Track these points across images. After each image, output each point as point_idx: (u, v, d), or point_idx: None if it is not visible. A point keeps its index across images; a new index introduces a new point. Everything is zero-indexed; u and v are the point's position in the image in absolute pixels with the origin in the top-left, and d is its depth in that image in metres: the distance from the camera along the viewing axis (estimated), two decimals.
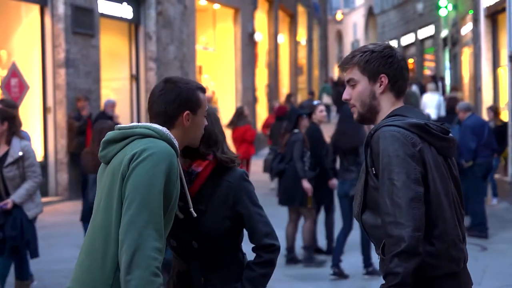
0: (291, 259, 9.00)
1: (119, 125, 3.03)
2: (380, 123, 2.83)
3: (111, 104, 14.13)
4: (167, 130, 2.97)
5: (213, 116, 3.38)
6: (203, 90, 3.14)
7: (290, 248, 9.04)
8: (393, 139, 2.70)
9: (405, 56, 2.95)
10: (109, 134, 2.97)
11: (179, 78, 3.14)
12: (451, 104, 12.80)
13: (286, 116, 14.27)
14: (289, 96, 21.73)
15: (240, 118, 15.40)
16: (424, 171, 2.73)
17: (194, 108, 3.06)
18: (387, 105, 2.90)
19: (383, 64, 2.86)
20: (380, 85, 2.89)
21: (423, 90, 21.55)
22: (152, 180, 2.81)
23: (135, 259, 2.74)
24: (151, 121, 3.04)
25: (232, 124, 15.00)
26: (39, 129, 14.10)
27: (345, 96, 2.98)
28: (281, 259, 9.16)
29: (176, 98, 3.03)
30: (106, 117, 13.70)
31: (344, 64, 2.97)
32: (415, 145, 2.71)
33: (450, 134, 2.86)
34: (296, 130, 9.00)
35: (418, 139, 2.72)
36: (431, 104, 18.88)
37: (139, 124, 2.98)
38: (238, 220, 3.32)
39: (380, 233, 2.75)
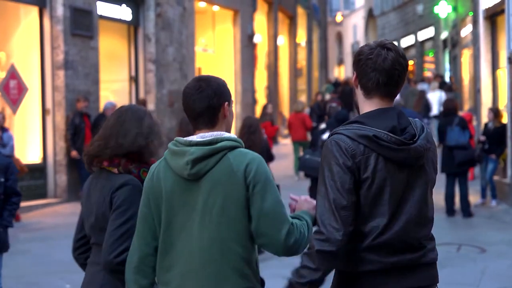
0: None
1: (195, 140, 3.11)
2: (337, 128, 3.01)
3: (112, 107, 14.11)
4: (234, 135, 3.18)
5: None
6: None
7: None
8: (336, 148, 2.88)
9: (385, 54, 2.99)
10: (197, 153, 3.07)
11: (207, 75, 3.28)
12: (448, 105, 12.77)
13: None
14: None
15: (263, 115, 16.88)
16: (362, 180, 2.89)
17: (229, 98, 3.25)
18: (360, 100, 3.07)
19: (355, 62, 3.03)
20: (355, 81, 3.06)
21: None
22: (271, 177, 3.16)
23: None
24: (194, 121, 3.17)
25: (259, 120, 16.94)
26: (38, 130, 14.10)
27: None
28: (277, 259, 9.16)
29: (217, 91, 3.18)
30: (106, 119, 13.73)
31: None
32: (354, 157, 2.88)
33: (414, 145, 2.92)
34: None
35: (363, 150, 2.88)
36: (434, 101, 20.37)
37: (218, 136, 3.11)
38: None
39: None
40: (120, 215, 3.44)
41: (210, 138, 3.08)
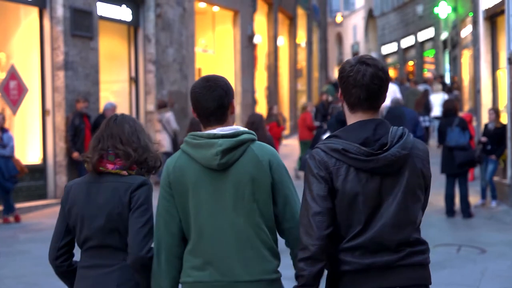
0: None
1: (220, 133, 3.32)
2: (318, 143, 3.27)
3: (113, 108, 14.10)
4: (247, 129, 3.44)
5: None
6: None
7: None
8: (312, 161, 3.16)
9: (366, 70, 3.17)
10: (225, 144, 3.30)
11: (213, 75, 3.48)
12: (448, 106, 12.77)
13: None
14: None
15: (269, 115, 17.32)
16: (335, 188, 3.13)
17: (233, 95, 3.49)
18: (346, 114, 3.28)
19: (339, 79, 3.25)
20: (340, 96, 3.29)
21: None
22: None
23: None
24: (206, 119, 3.38)
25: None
26: (38, 131, 14.10)
27: None
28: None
29: (227, 90, 3.41)
30: None
31: None
32: (327, 168, 3.13)
33: (383, 154, 3.10)
34: None
35: (334, 162, 3.12)
36: (437, 102, 20.40)
37: (238, 130, 3.36)
38: None
39: None
40: (144, 213, 3.53)
41: (232, 131, 3.34)
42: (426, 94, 22.52)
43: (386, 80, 3.20)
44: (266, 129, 9.63)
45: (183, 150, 3.37)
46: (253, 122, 9.26)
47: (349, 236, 3.12)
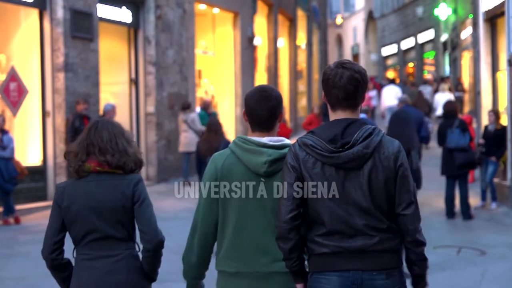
0: None
1: (269, 143, 3.65)
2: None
3: (113, 109, 14.09)
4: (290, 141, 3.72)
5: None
6: None
7: None
8: (289, 153, 3.56)
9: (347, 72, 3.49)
10: (274, 155, 3.65)
11: (267, 86, 3.83)
12: (448, 107, 12.77)
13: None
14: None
15: None
16: (304, 179, 3.49)
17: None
18: (329, 113, 3.63)
19: (322, 81, 3.60)
20: (323, 98, 3.65)
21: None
22: None
23: None
24: (257, 125, 3.71)
25: None
26: (38, 133, 14.10)
27: None
28: None
29: (280, 101, 3.76)
30: None
31: None
32: (298, 159, 3.52)
33: (344, 152, 3.43)
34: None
35: (304, 155, 3.51)
36: (442, 101, 20.35)
37: (284, 142, 3.69)
38: None
39: None
40: (149, 204, 4.00)
41: (280, 143, 3.68)
42: (420, 95, 22.69)
43: (363, 81, 3.52)
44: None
45: (232, 150, 3.70)
46: None
47: (325, 223, 3.47)
